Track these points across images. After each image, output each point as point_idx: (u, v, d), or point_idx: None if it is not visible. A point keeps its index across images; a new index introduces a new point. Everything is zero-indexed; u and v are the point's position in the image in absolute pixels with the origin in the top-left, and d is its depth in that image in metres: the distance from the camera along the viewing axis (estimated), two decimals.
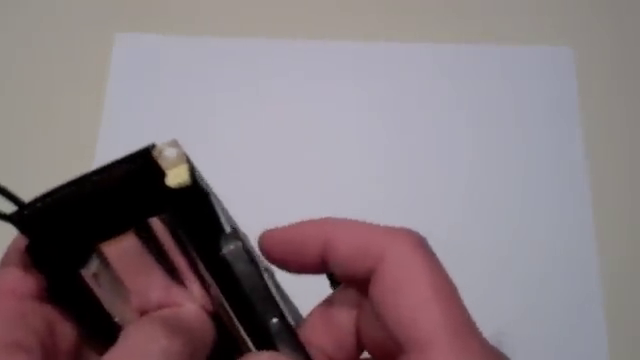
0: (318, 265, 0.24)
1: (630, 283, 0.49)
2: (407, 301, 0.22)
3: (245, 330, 0.24)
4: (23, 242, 0.22)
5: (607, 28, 0.57)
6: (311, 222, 0.25)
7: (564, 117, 0.54)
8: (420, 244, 0.23)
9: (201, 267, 0.24)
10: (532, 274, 0.49)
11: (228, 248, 0.23)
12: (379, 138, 0.53)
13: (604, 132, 0.53)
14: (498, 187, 0.51)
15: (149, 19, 0.57)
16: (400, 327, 0.22)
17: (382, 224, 0.24)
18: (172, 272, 0.24)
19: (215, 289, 0.24)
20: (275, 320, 0.23)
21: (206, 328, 0.24)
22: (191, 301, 0.24)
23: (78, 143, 0.52)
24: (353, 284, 0.25)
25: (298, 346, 0.23)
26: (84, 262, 0.23)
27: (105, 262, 0.23)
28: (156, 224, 0.23)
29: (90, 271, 0.23)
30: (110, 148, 0.52)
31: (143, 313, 0.24)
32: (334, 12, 0.57)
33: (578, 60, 0.55)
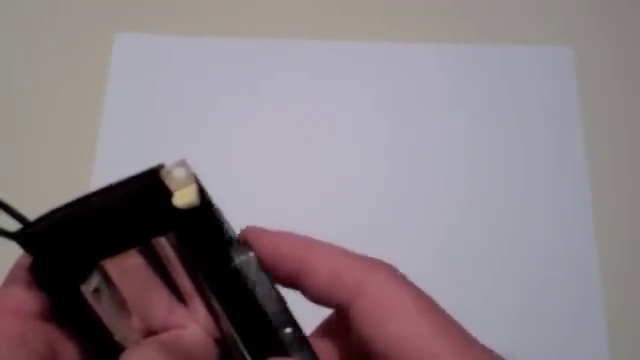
0: (287, 282, 0.24)
1: (630, 283, 0.49)
2: (398, 326, 0.22)
3: (250, 354, 0.23)
4: (28, 260, 0.22)
5: (607, 28, 0.57)
6: (289, 240, 0.24)
7: (564, 117, 0.54)
8: (394, 273, 0.24)
9: (208, 289, 0.23)
10: (532, 274, 0.49)
11: (240, 259, 0.23)
12: (380, 137, 0.53)
13: (604, 132, 0.53)
14: (498, 187, 0.51)
15: (149, 19, 0.57)
16: (397, 352, 0.22)
17: (358, 252, 0.24)
18: (177, 293, 0.24)
19: (222, 313, 0.23)
20: (289, 330, 0.23)
21: (208, 352, 0.24)
22: (195, 323, 0.24)
23: (78, 143, 0.52)
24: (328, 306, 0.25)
25: (312, 356, 0.23)
26: (85, 277, 0.22)
27: (108, 280, 0.23)
28: (162, 244, 0.23)
29: (91, 287, 0.22)
30: (110, 148, 0.52)
31: (145, 333, 0.24)
32: (336, 12, 0.57)
33: (578, 60, 0.55)
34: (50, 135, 0.53)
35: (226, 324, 0.24)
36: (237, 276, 0.23)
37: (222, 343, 0.24)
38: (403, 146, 0.53)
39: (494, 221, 0.50)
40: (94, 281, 0.23)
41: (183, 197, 0.22)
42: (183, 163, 0.22)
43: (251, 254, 0.23)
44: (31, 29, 0.57)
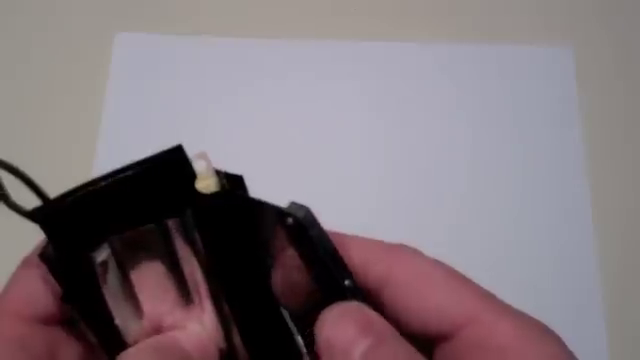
0: None
1: (630, 283, 0.49)
2: (434, 290, 0.23)
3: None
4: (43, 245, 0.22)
5: (607, 28, 0.57)
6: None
7: (564, 117, 0.54)
8: (420, 253, 0.25)
9: (230, 283, 0.23)
10: (532, 274, 0.49)
11: (301, 214, 0.23)
12: (378, 137, 0.53)
13: (604, 132, 0.53)
14: (498, 187, 0.51)
15: (149, 19, 0.57)
16: (436, 314, 0.23)
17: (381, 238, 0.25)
18: (186, 293, 0.24)
19: (228, 312, 0.23)
20: (348, 281, 0.23)
21: (206, 357, 0.23)
22: (198, 324, 0.24)
23: (78, 143, 0.52)
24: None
25: (371, 307, 0.23)
26: (95, 249, 0.22)
27: (120, 263, 0.23)
28: (180, 241, 0.23)
29: (99, 258, 0.22)
30: (110, 148, 0.52)
31: (147, 324, 0.24)
32: (334, 12, 0.57)
33: (578, 60, 0.55)
34: (50, 135, 0.53)
35: (231, 325, 0.23)
36: (301, 230, 0.23)
37: (226, 349, 0.24)
38: (401, 146, 0.53)
39: (493, 221, 0.50)
40: (103, 254, 0.22)
41: (204, 188, 0.22)
42: (203, 155, 0.22)
43: (307, 208, 0.23)
44: (31, 29, 0.57)
